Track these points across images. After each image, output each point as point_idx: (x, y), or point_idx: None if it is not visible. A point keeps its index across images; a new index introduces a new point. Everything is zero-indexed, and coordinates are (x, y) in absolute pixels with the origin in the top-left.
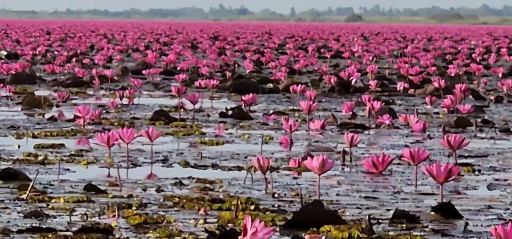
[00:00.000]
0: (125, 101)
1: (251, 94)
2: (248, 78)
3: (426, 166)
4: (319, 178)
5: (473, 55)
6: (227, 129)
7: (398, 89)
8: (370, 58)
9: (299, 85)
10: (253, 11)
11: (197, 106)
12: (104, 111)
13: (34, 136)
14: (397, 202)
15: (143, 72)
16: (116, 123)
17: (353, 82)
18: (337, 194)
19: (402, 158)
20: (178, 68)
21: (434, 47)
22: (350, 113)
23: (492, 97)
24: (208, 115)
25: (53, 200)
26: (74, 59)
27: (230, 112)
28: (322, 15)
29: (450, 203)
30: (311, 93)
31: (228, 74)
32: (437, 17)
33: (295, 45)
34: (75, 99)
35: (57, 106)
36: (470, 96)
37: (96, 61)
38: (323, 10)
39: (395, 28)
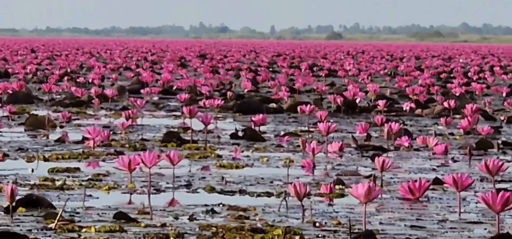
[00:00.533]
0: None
1: (260, 115)
2: (250, 98)
3: (482, 194)
4: (365, 207)
5: (469, 74)
6: (242, 152)
7: (404, 109)
8: (365, 76)
9: (308, 105)
10: (233, 29)
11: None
12: (111, 132)
13: (45, 159)
14: (446, 232)
15: (141, 91)
16: (127, 145)
17: (358, 102)
18: (380, 223)
19: (445, 185)
20: (175, 87)
21: (426, 66)
22: (365, 134)
23: (502, 117)
24: (219, 137)
25: (84, 230)
26: (65, 77)
27: (241, 133)
28: (301, 33)
29: (509, 234)
30: (322, 114)
31: (229, 93)
32: (417, 35)
33: (288, 63)
34: (77, 119)
35: (61, 126)
36: (480, 117)
37: (90, 80)
38: (303, 28)
39: (379, 46)
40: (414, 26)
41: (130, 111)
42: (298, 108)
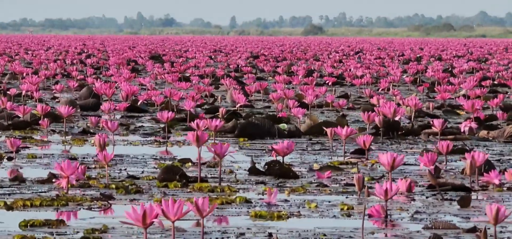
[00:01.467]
0: (93, 148)
1: (285, 142)
2: (248, 116)
3: None
4: None
5: None
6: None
7: (462, 130)
8: (389, 85)
9: (345, 128)
10: (182, 22)
11: (208, 156)
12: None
13: (9, 208)
14: None
15: (102, 108)
16: (113, 186)
17: (398, 120)
18: None
19: None
20: (139, 101)
21: (459, 70)
22: (432, 167)
23: None
24: (231, 171)
25: None
26: None
27: (262, 167)
28: (270, 26)
29: None
30: (366, 139)
31: (221, 110)
32: (422, 29)
33: (283, 69)
34: (26, 147)
35: (9, 159)
36: None
37: (23, 92)
38: (272, 20)
39: (377, 42)
40: (417, 17)
41: (100, 136)
42: (328, 131)
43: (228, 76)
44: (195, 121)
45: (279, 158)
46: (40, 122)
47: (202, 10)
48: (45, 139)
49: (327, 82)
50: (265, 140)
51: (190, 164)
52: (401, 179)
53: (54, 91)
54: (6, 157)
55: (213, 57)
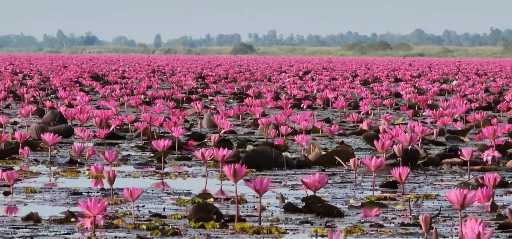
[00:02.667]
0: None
1: (317, 175)
2: (242, 142)
3: None
4: None
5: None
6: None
7: (484, 159)
8: (371, 107)
9: (373, 158)
10: (104, 40)
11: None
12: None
13: None
14: None
15: (81, 135)
16: (143, 227)
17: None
18: None
19: None
20: (112, 126)
21: (433, 91)
22: (488, 204)
23: None
24: (264, 208)
25: None
26: None
27: (300, 205)
28: (197, 44)
29: None
30: (402, 171)
31: (213, 138)
32: (357, 47)
33: (254, 93)
34: (19, 180)
35: (6, 194)
36: None
37: None
38: (198, 38)
39: (314, 62)
40: (351, 35)
41: (96, 167)
42: (351, 162)
43: (189, 99)
44: (200, 151)
45: (309, 192)
46: (20, 151)
47: (125, 28)
48: (33, 170)
49: (302, 105)
50: (272, 171)
51: (212, 199)
52: (470, 218)
53: (18, 115)
54: (2, 192)
55: (151, 76)
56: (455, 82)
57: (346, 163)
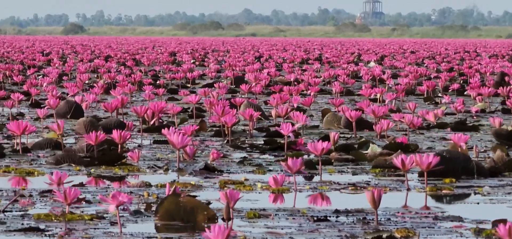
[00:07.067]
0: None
1: None
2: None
3: None
4: None
5: None
6: None
7: None
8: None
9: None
10: None
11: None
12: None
13: None
14: None
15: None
16: None
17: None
18: None
19: None
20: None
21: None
22: None
23: None
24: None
25: None
26: None
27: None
28: (26, 24)
29: None
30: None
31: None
32: (188, 27)
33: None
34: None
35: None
36: None
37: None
38: (26, 18)
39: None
40: (179, 15)
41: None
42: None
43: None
44: (399, 158)
45: None
46: (128, 155)
47: None
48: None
49: (309, 92)
50: (460, 180)
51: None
52: None
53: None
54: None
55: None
56: (372, 63)
57: None
